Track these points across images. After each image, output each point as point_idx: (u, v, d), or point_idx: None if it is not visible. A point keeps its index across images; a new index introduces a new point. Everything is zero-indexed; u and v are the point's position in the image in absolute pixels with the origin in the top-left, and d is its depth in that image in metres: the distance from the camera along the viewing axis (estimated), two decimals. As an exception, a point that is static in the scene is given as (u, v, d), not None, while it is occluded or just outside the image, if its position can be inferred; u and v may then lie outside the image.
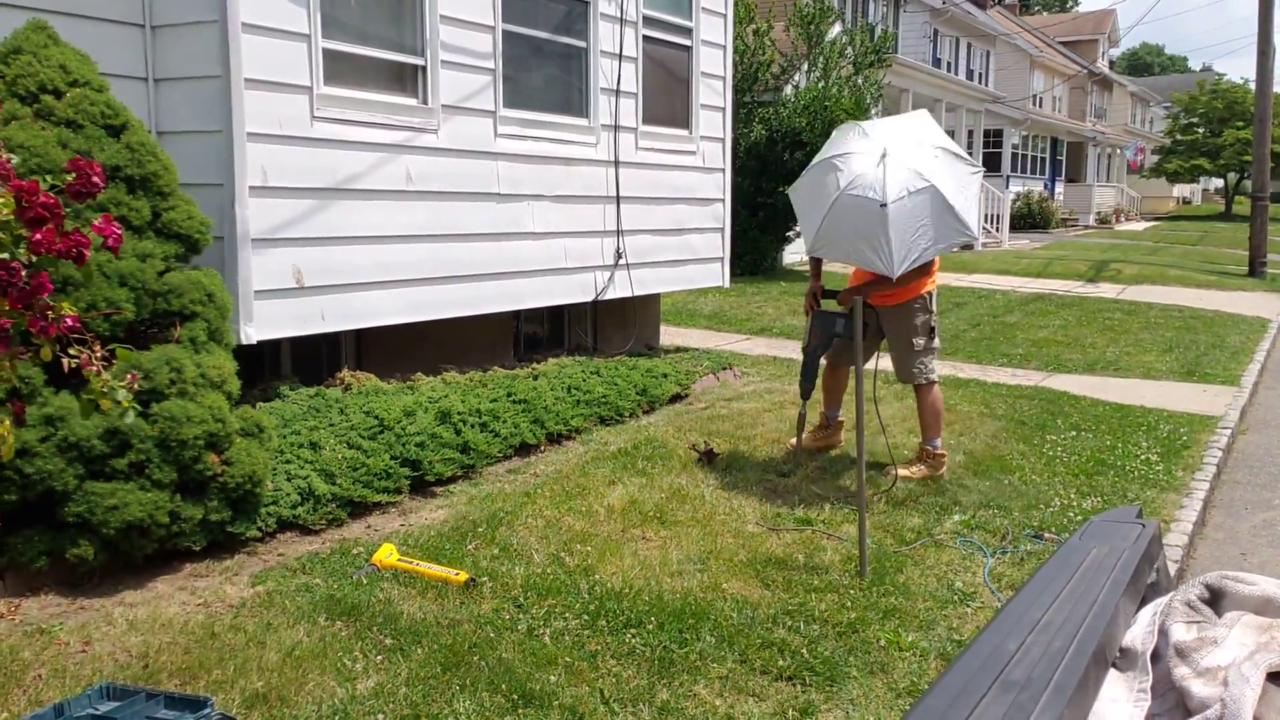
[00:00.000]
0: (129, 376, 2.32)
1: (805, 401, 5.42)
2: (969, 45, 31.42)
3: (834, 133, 5.38)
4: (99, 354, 2.21)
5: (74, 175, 2.17)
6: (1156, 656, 1.22)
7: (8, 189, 2.03)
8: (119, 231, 2.25)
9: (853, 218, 4.83)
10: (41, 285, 2.07)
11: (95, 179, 2.18)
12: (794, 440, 5.61)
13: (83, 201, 2.18)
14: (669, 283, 8.25)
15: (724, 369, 8.00)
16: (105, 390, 2.20)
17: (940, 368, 8.82)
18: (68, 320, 2.14)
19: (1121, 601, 1.28)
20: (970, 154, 25.99)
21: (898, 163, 4.80)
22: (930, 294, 5.35)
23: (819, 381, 5.55)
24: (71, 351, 2.18)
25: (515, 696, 2.98)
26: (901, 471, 5.28)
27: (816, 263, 5.57)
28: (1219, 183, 54.05)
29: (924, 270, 5.12)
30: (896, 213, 4.69)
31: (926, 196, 4.75)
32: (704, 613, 3.56)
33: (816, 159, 5.23)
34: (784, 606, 3.66)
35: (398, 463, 4.76)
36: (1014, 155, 32.80)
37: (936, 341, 5.44)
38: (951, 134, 24.94)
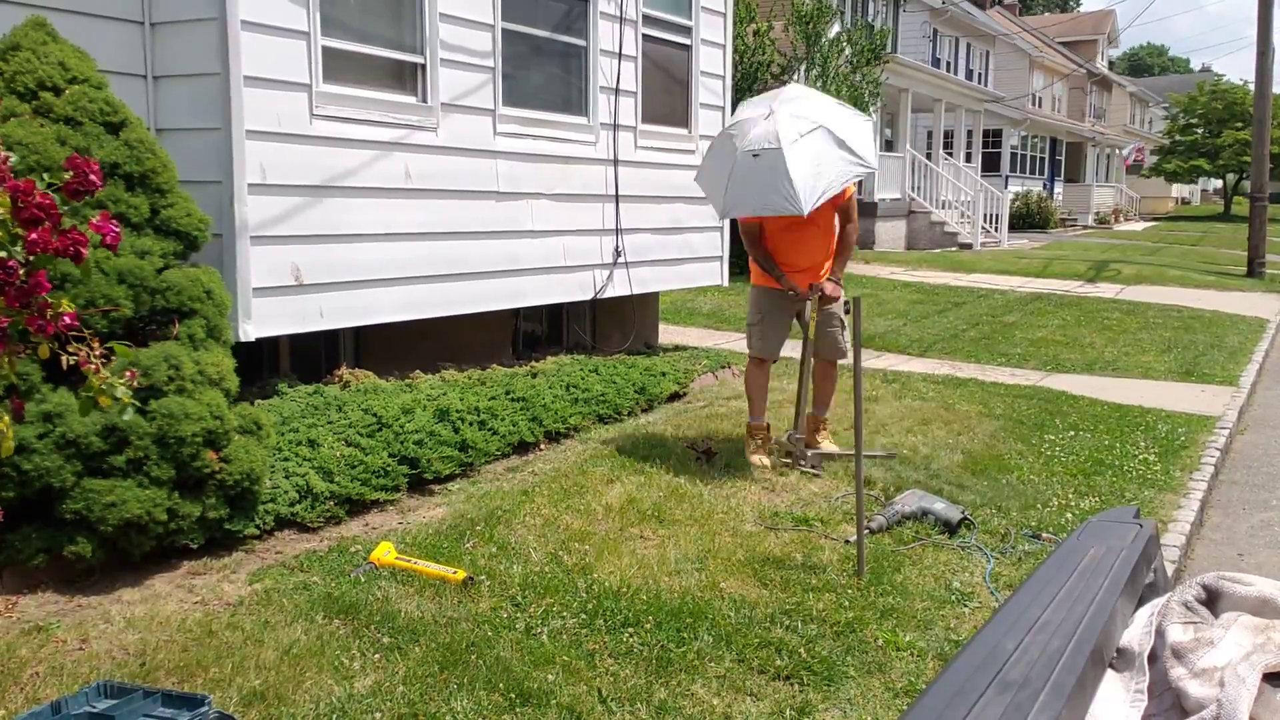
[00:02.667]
0: (128, 374, 2.32)
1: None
2: (968, 45, 31.42)
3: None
4: (97, 351, 2.20)
5: (71, 174, 2.17)
6: (1153, 657, 1.22)
7: (4, 189, 2.03)
8: (117, 230, 2.25)
9: (754, 171, 4.98)
10: (39, 284, 2.06)
11: (93, 177, 2.17)
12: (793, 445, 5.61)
13: (80, 200, 2.17)
14: (668, 281, 8.25)
15: (722, 367, 8.00)
16: (104, 387, 2.20)
17: (939, 367, 8.86)
18: (66, 318, 2.14)
19: (1119, 602, 1.28)
20: (969, 154, 26.10)
21: (786, 113, 5.06)
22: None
23: (754, 384, 5.70)
24: (70, 349, 2.18)
25: (513, 695, 2.98)
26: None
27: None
28: (1218, 183, 54.11)
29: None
30: (792, 154, 4.85)
31: (819, 135, 4.96)
32: (702, 612, 3.56)
33: (711, 142, 5.49)
34: (782, 606, 3.66)
35: (396, 461, 4.76)
36: (1013, 155, 32.80)
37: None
38: (950, 133, 25.06)
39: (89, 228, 2.21)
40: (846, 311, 5.33)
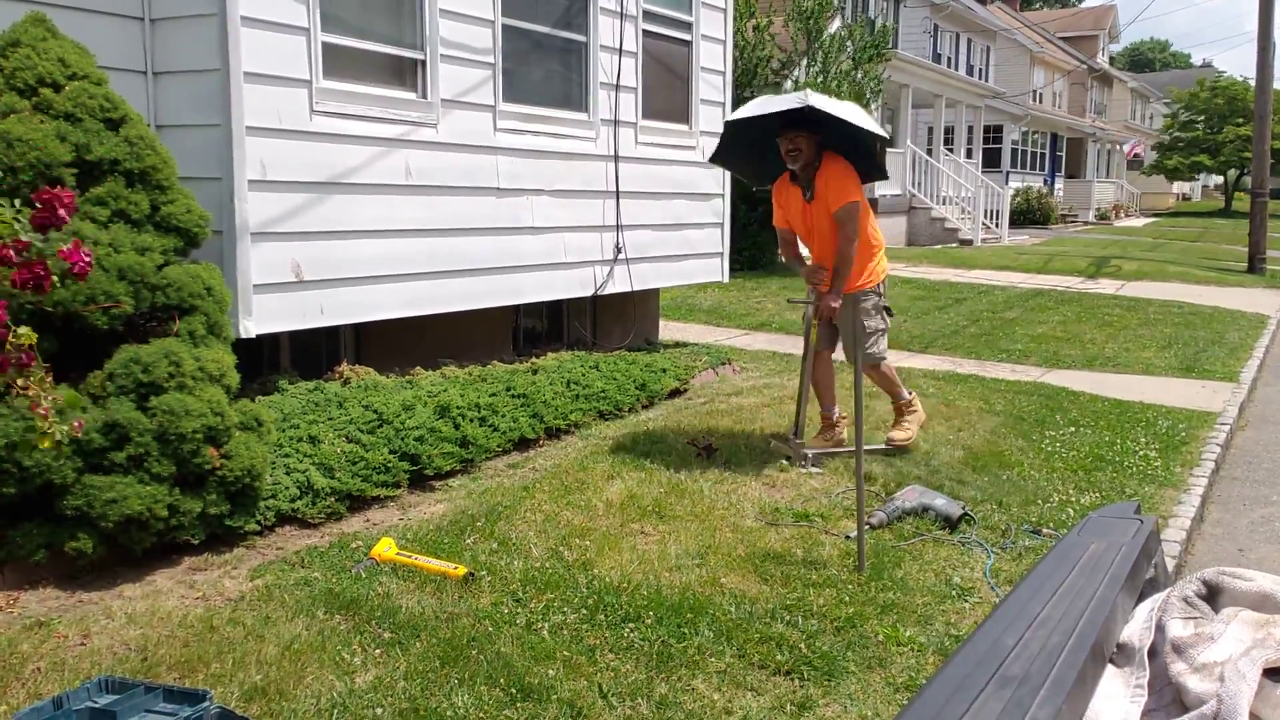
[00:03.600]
0: (75, 424, 2.32)
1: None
2: (969, 41, 31.38)
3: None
4: (48, 396, 2.19)
5: (39, 206, 2.15)
6: (1153, 652, 1.23)
7: None
8: (88, 259, 2.23)
9: (769, 97, 5.62)
10: None
11: (61, 211, 2.15)
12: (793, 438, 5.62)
13: (47, 233, 2.15)
14: (668, 278, 8.25)
15: (723, 364, 8.00)
16: (47, 430, 2.19)
17: (939, 363, 8.86)
18: (23, 356, 2.13)
19: (1119, 597, 1.28)
20: (970, 149, 26.10)
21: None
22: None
23: (812, 379, 5.68)
24: (19, 384, 2.17)
25: (514, 690, 2.98)
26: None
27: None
28: (1219, 179, 54.02)
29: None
30: (812, 91, 5.21)
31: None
32: (702, 607, 3.56)
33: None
34: (782, 601, 3.67)
35: (396, 457, 4.76)
36: (1014, 151, 32.77)
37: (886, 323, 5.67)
38: (951, 129, 25.04)
39: (58, 255, 2.19)
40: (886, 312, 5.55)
